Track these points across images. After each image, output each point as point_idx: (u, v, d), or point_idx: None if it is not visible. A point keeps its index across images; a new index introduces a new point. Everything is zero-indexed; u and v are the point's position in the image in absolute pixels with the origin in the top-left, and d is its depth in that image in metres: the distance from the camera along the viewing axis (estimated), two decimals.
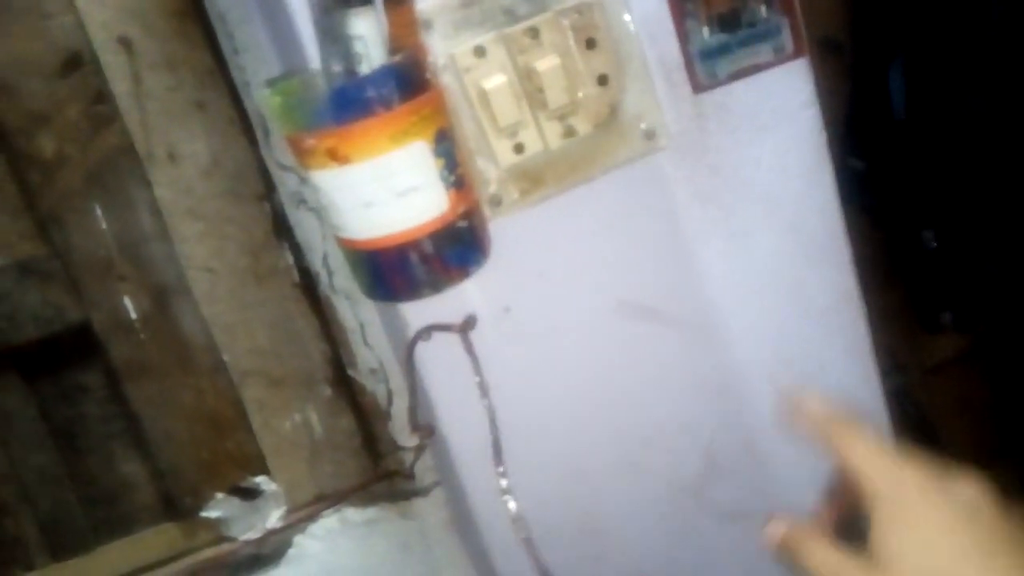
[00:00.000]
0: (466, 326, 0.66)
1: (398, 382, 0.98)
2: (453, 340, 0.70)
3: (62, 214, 0.88)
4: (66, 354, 0.93)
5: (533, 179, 0.64)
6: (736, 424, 0.78)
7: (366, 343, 0.96)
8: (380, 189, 0.53)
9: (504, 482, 0.63)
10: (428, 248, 0.56)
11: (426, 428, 0.82)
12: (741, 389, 0.77)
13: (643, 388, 0.75)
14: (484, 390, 0.64)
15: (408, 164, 0.53)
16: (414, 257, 0.56)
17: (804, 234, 0.76)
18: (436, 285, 0.58)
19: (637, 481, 0.77)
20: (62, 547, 0.96)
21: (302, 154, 0.54)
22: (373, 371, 0.97)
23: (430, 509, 0.99)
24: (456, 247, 0.58)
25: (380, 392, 0.97)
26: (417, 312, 0.70)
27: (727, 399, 0.77)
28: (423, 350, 0.71)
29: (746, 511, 0.80)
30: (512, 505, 0.62)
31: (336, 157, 0.52)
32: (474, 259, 0.59)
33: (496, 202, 0.64)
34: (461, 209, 0.57)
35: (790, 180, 0.74)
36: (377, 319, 0.96)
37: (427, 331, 0.67)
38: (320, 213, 0.93)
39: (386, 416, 0.98)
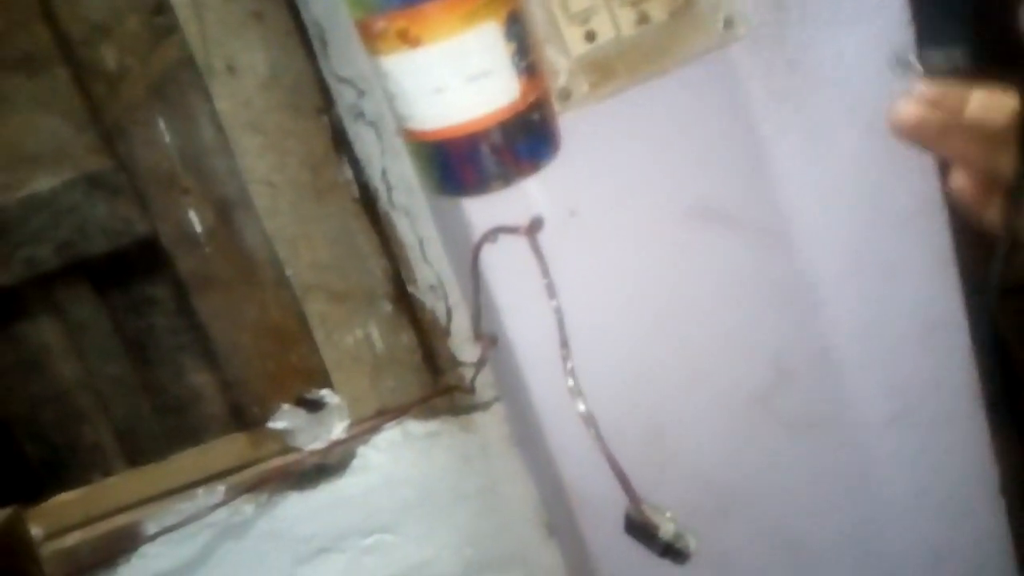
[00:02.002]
0: (533, 228, 0.63)
1: (457, 298, 0.96)
2: (518, 244, 0.67)
3: (126, 126, 0.87)
4: (135, 266, 0.93)
5: (604, 70, 0.60)
6: (806, 332, 0.75)
7: (425, 259, 0.95)
8: (451, 73, 0.50)
9: (571, 382, 0.61)
10: (499, 138, 0.53)
11: (489, 338, 0.81)
12: (813, 297, 0.74)
13: (712, 294, 0.72)
14: (552, 291, 0.62)
15: (479, 47, 0.50)
16: (484, 147, 0.53)
17: (885, 134, 0.71)
18: (506, 178, 0.55)
19: (703, 389, 0.75)
20: (137, 454, 0.98)
21: (373, 39, 0.51)
22: (432, 288, 0.96)
23: (490, 423, 0.99)
24: (527, 138, 0.55)
25: (439, 309, 0.96)
26: (482, 215, 0.68)
27: (798, 307, 0.74)
28: (487, 255, 0.69)
29: (814, 421, 0.77)
30: (581, 405, 0.60)
31: (407, 39, 0.49)
32: (545, 152, 0.56)
33: (565, 95, 0.60)
34: (532, 98, 0.54)
35: (873, 77, 0.69)
36: (436, 235, 0.94)
37: (493, 233, 0.65)
38: (377, 128, 0.91)
39: (445, 332, 0.97)
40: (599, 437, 0.58)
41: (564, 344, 0.61)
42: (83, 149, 0.88)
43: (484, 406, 0.98)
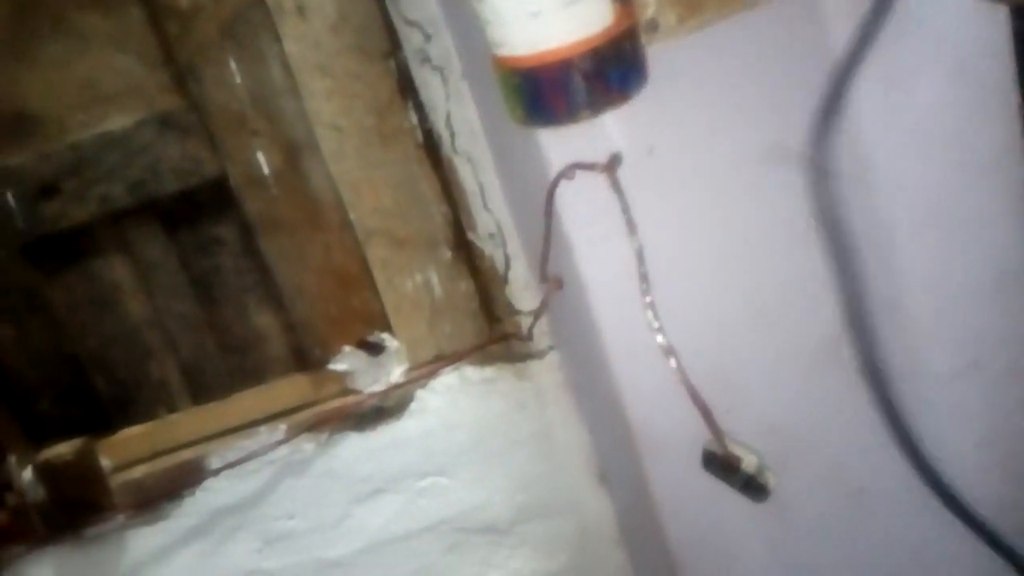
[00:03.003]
0: (612, 164, 0.63)
1: (515, 247, 0.96)
2: (591, 183, 0.66)
3: (198, 66, 0.86)
4: (204, 207, 0.94)
5: (692, 3, 0.59)
6: (878, 280, 0.73)
7: (486, 207, 0.94)
8: None
9: (652, 316, 0.60)
10: (591, 65, 0.52)
11: (555, 280, 0.81)
12: (886, 244, 0.72)
13: (785, 239, 0.71)
14: (632, 227, 0.61)
15: None
16: (576, 74, 0.52)
17: (970, 80, 0.69)
18: (595, 107, 0.54)
19: (773, 334, 0.74)
20: (201, 391, 0.99)
21: None
22: (491, 235, 0.95)
23: (545, 371, 0.99)
24: (618, 66, 0.54)
25: (498, 256, 0.96)
26: (558, 152, 0.67)
27: (871, 253, 0.72)
28: (559, 195, 0.68)
29: (883, 370, 0.76)
30: (660, 338, 0.59)
31: None
32: (635, 82, 0.55)
33: (652, 27, 0.59)
34: (624, 26, 0.53)
35: (959, 18, 0.67)
36: (497, 182, 0.94)
37: (571, 170, 0.64)
38: (443, 73, 0.90)
39: (503, 280, 0.96)
40: (680, 369, 0.58)
41: (644, 279, 0.61)
42: (156, 88, 0.88)
43: (539, 354, 0.98)
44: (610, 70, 0.53)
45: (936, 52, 0.68)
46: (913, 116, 0.69)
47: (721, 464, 0.62)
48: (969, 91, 0.69)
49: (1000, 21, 0.67)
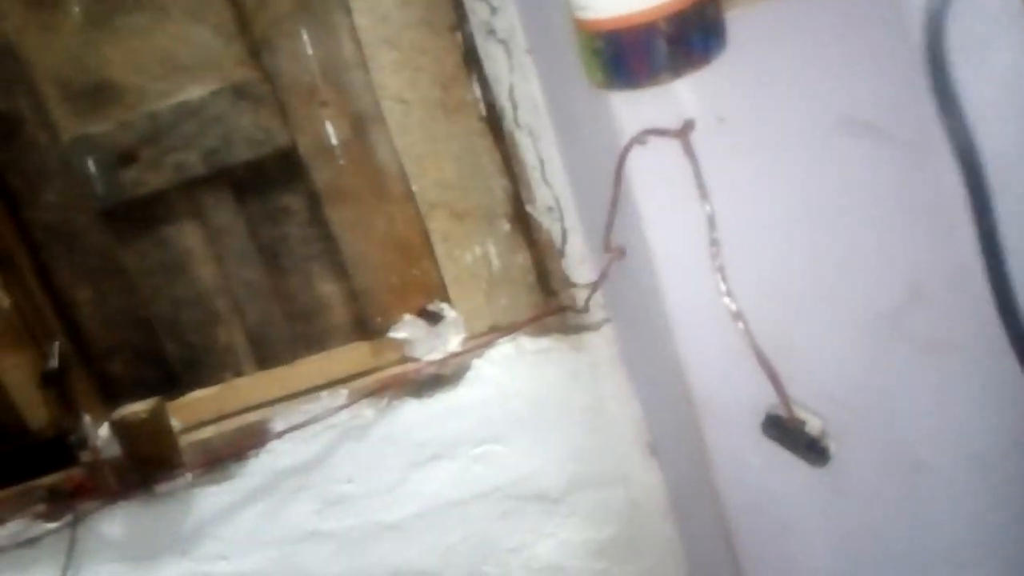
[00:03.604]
0: (685, 130, 0.63)
1: (573, 221, 0.97)
2: (660, 150, 0.67)
3: (272, 38, 0.89)
4: (273, 176, 0.96)
5: None
6: (945, 252, 0.73)
7: (545, 180, 0.95)
8: None
9: (720, 280, 0.61)
10: (674, 28, 0.53)
11: (618, 249, 0.82)
12: (954, 215, 0.72)
13: (853, 208, 0.71)
14: (704, 192, 0.62)
15: None
16: (659, 37, 0.53)
17: None
18: (677, 69, 0.55)
19: (836, 304, 0.74)
20: (266, 357, 1.02)
21: None
22: (550, 209, 0.96)
23: (600, 344, 1.00)
24: (699, 29, 0.54)
25: (555, 230, 0.97)
26: (630, 119, 0.68)
27: (938, 225, 0.72)
28: (628, 161, 0.69)
29: (945, 342, 0.76)
30: (729, 302, 0.60)
31: None
32: (715, 46, 0.56)
33: None
34: None
35: None
36: (557, 156, 0.95)
37: (644, 135, 0.65)
38: (507, 46, 0.91)
39: (560, 253, 0.98)
40: (749, 332, 0.59)
41: (714, 243, 0.61)
42: (231, 60, 0.90)
43: (594, 327, 0.99)
44: (693, 33, 0.54)
45: (1010, 25, 0.67)
46: (990, 84, 0.69)
47: (785, 427, 0.62)
48: None
49: None
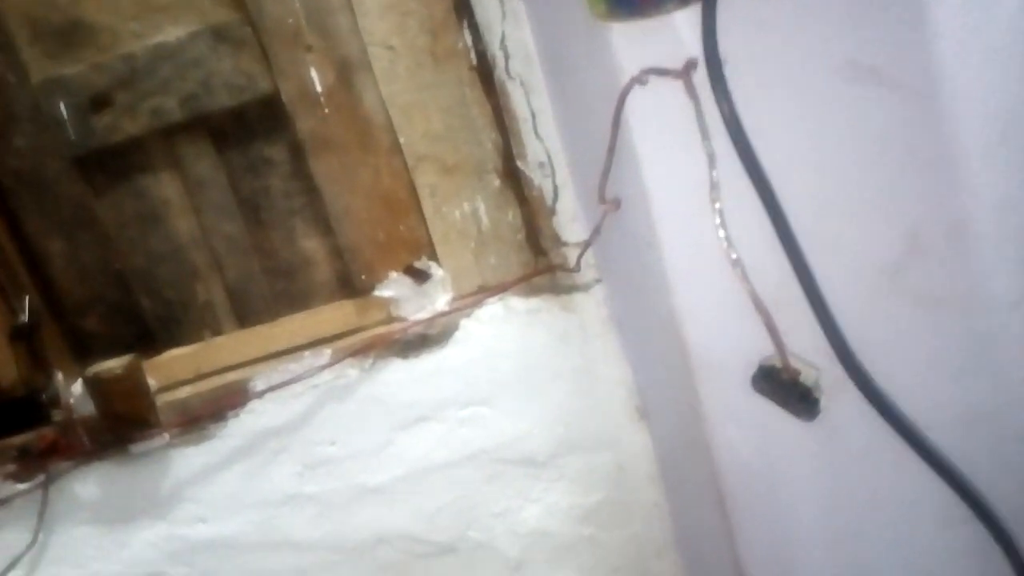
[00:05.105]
0: (687, 69, 0.61)
1: (564, 177, 0.95)
2: (661, 92, 0.65)
3: None
4: (255, 126, 0.93)
5: None
6: (945, 203, 0.72)
7: (537, 135, 0.93)
8: None
9: (719, 223, 0.59)
10: None
11: (613, 201, 0.80)
12: (955, 166, 0.71)
13: (854, 156, 0.70)
14: (706, 132, 0.60)
15: None
16: None
17: None
18: None
19: (834, 256, 0.73)
20: (247, 314, 0.99)
21: None
22: (541, 164, 0.94)
23: (590, 305, 0.98)
24: None
25: (546, 186, 0.95)
26: (630, 57, 0.66)
27: (939, 176, 0.71)
28: (627, 105, 0.67)
29: (943, 297, 0.75)
30: (727, 246, 0.59)
31: None
32: None
33: None
34: None
35: None
36: (550, 109, 0.93)
37: (645, 74, 0.63)
38: None
39: (551, 211, 0.96)
40: (746, 279, 0.57)
41: (715, 186, 0.60)
42: (210, 1, 0.87)
43: (585, 287, 0.98)
44: None
45: None
46: (992, 30, 0.67)
47: (778, 378, 0.61)
48: None
49: None
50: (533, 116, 0.92)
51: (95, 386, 0.91)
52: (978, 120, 0.70)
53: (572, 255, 0.96)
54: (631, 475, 1.04)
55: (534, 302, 0.98)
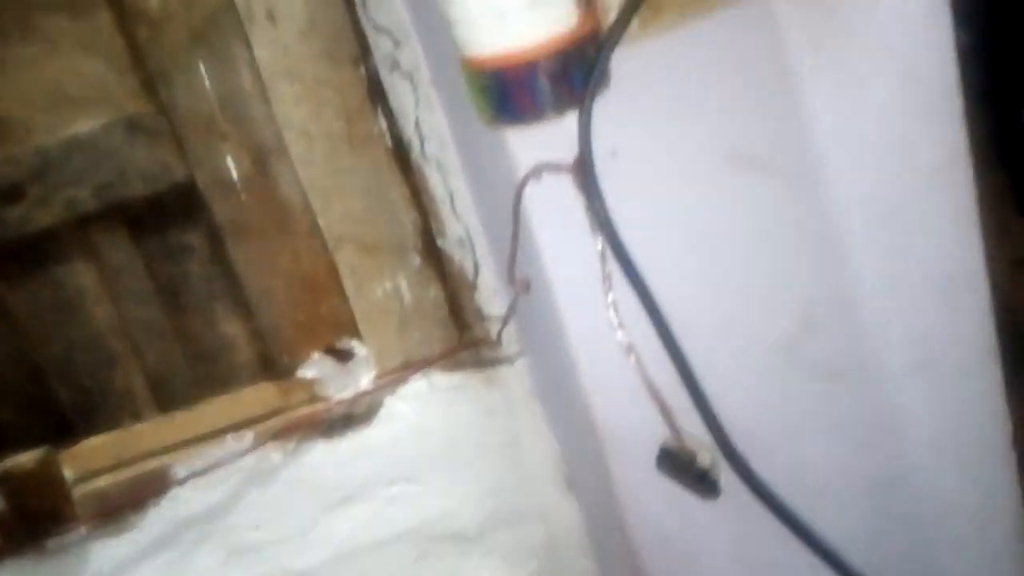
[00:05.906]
0: (579, 165, 0.64)
1: (484, 253, 0.98)
2: (558, 185, 0.68)
3: (168, 71, 0.87)
4: (171, 213, 0.94)
5: (654, 7, 0.61)
6: (834, 281, 0.76)
7: (455, 213, 0.96)
8: None
9: (613, 314, 0.62)
10: (556, 65, 0.54)
11: (522, 281, 0.82)
12: (840, 247, 0.75)
13: (744, 241, 0.73)
14: (596, 226, 0.63)
15: None
16: (541, 74, 0.54)
17: (917, 85, 0.72)
18: (560, 107, 0.56)
19: (732, 336, 0.76)
20: (167, 400, 0.99)
21: None
22: (461, 241, 0.97)
23: (514, 378, 1.00)
24: (582, 68, 0.56)
25: (467, 263, 0.97)
26: (526, 154, 0.69)
27: (826, 256, 0.75)
28: (526, 197, 0.70)
29: (839, 371, 0.79)
30: (621, 335, 0.61)
31: None
32: (597, 83, 0.58)
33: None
34: (588, 29, 0.55)
35: (907, 27, 0.70)
36: (466, 189, 0.96)
37: (538, 170, 0.66)
38: (412, 79, 0.91)
39: (472, 286, 0.98)
40: (639, 363, 0.60)
41: (607, 278, 0.62)
42: (124, 93, 0.88)
43: (508, 360, 0.99)
44: (574, 71, 0.55)
45: (885, 59, 0.71)
46: (863, 119, 0.72)
47: (675, 460, 0.63)
48: (916, 96, 0.72)
49: (945, 33, 0.71)
50: (451, 196, 0.95)
51: (6, 482, 0.89)
52: (857, 203, 0.74)
53: (495, 329, 0.97)
54: (563, 546, 1.05)
55: (458, 378, 0.99)
